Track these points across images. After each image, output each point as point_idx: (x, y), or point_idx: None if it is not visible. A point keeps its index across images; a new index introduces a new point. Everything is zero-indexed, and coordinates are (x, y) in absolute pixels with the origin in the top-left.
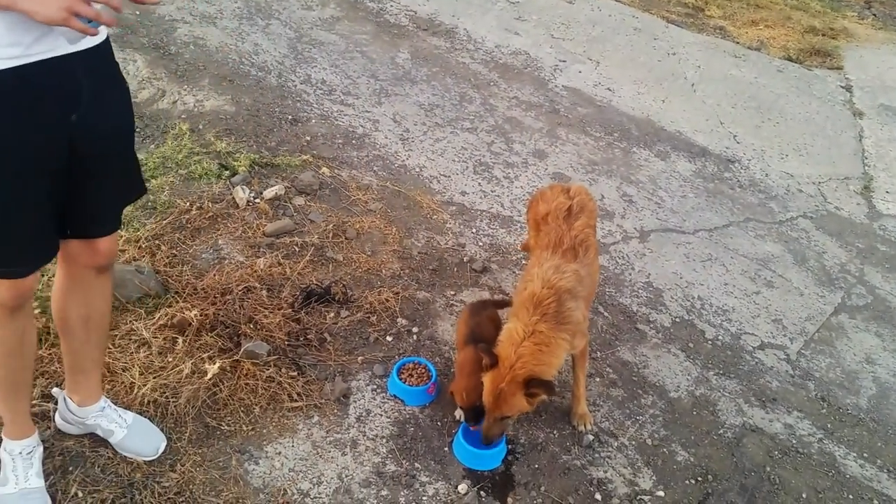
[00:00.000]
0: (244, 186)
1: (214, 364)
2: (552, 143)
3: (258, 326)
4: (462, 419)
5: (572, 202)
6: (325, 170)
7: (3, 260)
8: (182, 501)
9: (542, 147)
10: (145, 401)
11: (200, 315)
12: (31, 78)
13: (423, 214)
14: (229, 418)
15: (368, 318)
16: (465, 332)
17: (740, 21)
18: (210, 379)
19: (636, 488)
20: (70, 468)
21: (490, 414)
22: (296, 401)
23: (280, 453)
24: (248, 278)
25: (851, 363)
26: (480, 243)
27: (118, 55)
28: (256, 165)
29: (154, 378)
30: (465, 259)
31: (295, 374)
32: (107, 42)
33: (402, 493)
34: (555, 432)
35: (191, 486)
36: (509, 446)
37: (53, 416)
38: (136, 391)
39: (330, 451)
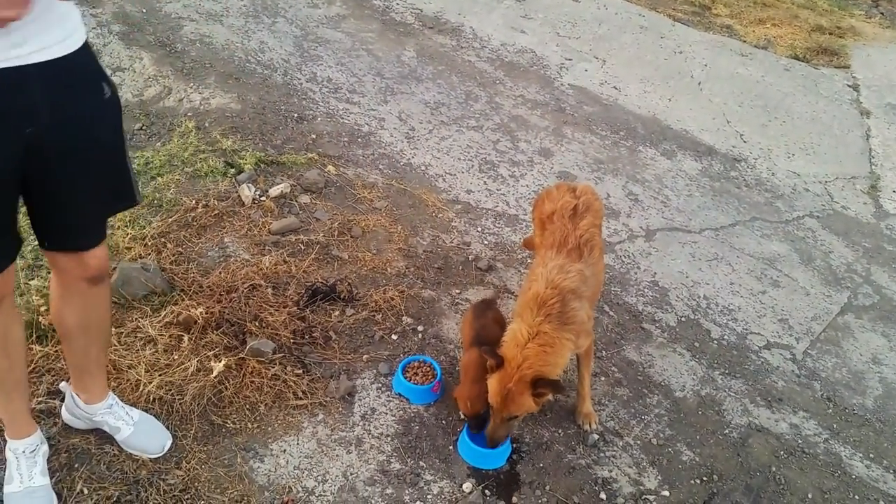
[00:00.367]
0: (250, 184)
1: (220, 362)
2: (558, 142)
3: (263, 324)
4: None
5: (578, 201)
6: (330, 168)
7: None
8: (187, 499)
9: (547, 145)
10: (151, 398)
11: (206, 313)
12: None
13: (429, 213)
14: (234, 416)
15: (374, 316)
16: (471, 334)
17: (747, 19)
18: (215, 377)
19: (641, 488)
20: (76, 465)
21: (497, 414)
22: (301, 399)
23: (285, 451)
24: (253, 276)
25: (858, 363)
26: (486, 242)
27: (124, 53)
28: (262, 163)
29: (160, 375)
30: (470, 257)
31: (300, 372)
32: (78, 53)
33: (406, 492)
34: (560, 431)
35: (196, 484)
36: (514, 445)
37: (61, 410)
38: (141, 388)
39: (335, 449)
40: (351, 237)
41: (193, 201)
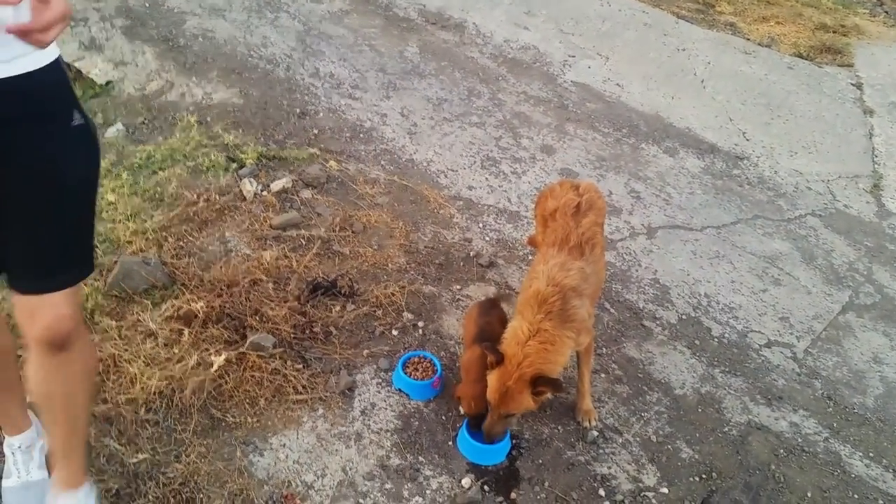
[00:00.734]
0: (251, 179)
1: (220, 356)
2: (560, 139)
3: (264, 319)
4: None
5: (581, 199)
6: (332, 163)
7: None
8: (187, 492)
9: (550, 142)
10: (151, 392)
11: (207, 307)
12: None
13: (430, 209)
14: (234, 410)
15: (374, 311)
16: (475, 331)
17: (751, 17)
18: (216, 371)
19: (640, 485)
20: None
21: (494, 411)
22: (301, 393)
23: (285, 445)
24: (254, 271)
25: (858, 362)
26: (487, 238)
27: (127, 47)
28: (264, 158)
29: (160, 369)
30: (471, 254)
31: (300, 366)
32: (43, 72)
33: (405, 487)
34: (559, 428)
35: (195, 478)
36: (513, 441)
37: None
38: (141, 382)
39: (334, 444)
40: (352, 232)
41: (195, 196)
